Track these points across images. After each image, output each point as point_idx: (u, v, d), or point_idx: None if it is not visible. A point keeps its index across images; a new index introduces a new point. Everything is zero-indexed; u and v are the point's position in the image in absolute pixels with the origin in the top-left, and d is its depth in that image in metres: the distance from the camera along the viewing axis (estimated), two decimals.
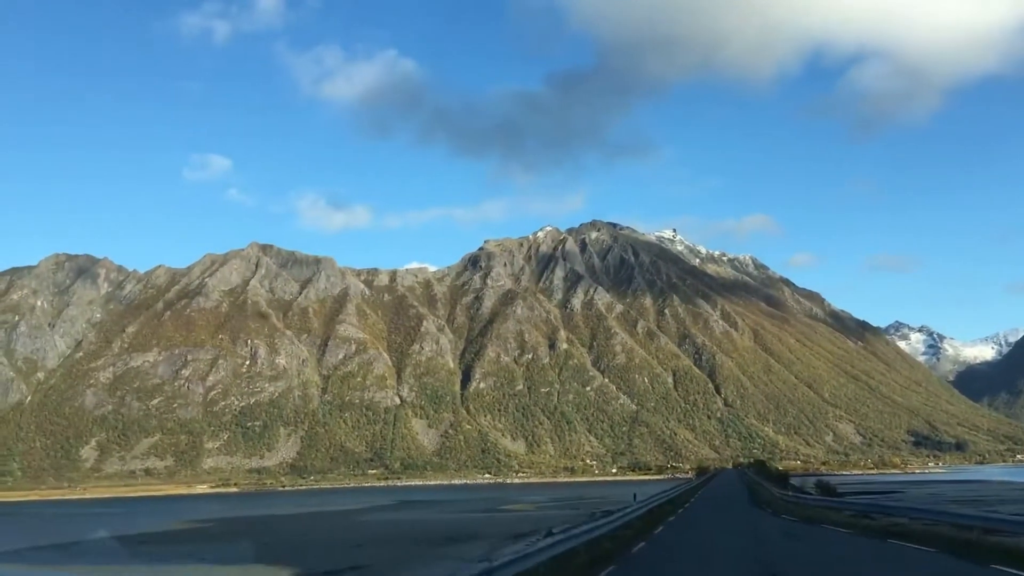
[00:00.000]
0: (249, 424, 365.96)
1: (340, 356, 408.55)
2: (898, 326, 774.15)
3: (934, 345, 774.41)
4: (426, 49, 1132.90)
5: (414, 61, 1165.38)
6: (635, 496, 58.42)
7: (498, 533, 48.46)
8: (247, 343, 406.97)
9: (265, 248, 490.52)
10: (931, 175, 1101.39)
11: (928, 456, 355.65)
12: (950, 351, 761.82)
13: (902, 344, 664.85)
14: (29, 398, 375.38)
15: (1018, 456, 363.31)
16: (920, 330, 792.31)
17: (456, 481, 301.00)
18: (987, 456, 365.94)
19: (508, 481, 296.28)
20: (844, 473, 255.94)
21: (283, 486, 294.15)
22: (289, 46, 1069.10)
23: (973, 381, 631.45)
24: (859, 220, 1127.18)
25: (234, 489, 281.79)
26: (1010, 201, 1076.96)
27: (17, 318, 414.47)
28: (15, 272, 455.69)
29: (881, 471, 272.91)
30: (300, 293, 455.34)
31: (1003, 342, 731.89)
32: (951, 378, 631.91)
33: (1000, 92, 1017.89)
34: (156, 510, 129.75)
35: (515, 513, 75.97)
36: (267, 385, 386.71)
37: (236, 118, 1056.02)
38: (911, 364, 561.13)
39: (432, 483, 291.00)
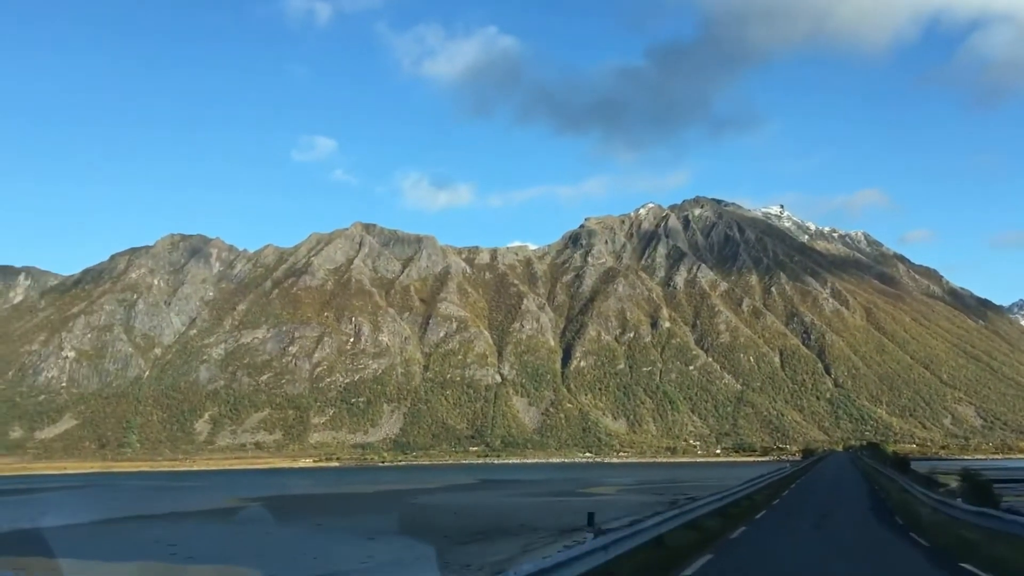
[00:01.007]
0: (353, 400, 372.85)
1: (441, 334, 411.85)
2: (1022, 304, 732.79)
3: None
4: (525, 25, 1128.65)
5: (514, 38, 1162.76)
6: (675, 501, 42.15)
7: (550, 526, 43.36)
8: (351, 320, 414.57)
9: (368, 227, 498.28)
10: None
11: None
12: None
13: None
14: (147, 373, 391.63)
15: None
16: None
17: (554, 460, 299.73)
18: None
19: (607, 461, 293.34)
20: (966, 458, 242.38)
21: (383, 461, 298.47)
22: (390, 25, 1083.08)
23: None
24: (980, 194, 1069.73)
25: (335, 463, 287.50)
26: None
27: (136, 296, 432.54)
28: (133, 252, 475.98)
29: (1006, 456, 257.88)
30: (402, 271, 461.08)
31: None
32: None
33: None
34: (238, 484, 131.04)
35: (590, 498, 69.15)
36: (370, 362, 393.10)
37: (341, 100, 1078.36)
38: None
39: (530, 461, 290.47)
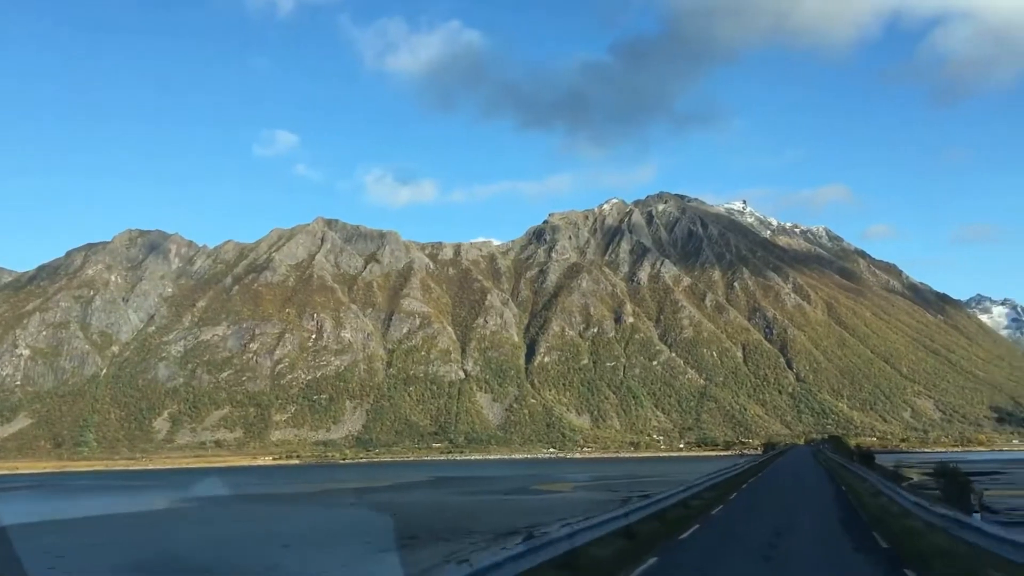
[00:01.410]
0: (315, 397, 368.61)
1: (405, 330, 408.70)
2: (980, 299, 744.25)
3: (1018, 319, 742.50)
4: (490, 20, 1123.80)
5: (478, 32, 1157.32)
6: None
7: (488, 528, 39.82)
8: (313, 317, 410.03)
9: (330, 223, 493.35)
10: (1019, 143, 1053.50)
11: (1012, 433, 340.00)
12: None
13: (984, 318, 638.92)
14: (104, 371, 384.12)
15: None
16: (1003, 303, 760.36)
17: (517, 456, 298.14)
18: None
19: (569, 456, 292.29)
20: (926, 451, 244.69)
21: (344, 459, 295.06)
22: (353, 19, 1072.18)
23: None
24: (940, 190, 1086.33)
25: (296, 461, 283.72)
26: None
27: (92, 293, 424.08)
28: (90, 248, 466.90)
29: (965, 449, 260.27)
30: (365, 267, 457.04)
31: None
32: None
33: None
34: (187, 483, 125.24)
35: (543, 496, 64.64)
36: (333, 359, 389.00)
37: (303, 93, 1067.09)
38: (994, 338, 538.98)
39: (492, 458, 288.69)
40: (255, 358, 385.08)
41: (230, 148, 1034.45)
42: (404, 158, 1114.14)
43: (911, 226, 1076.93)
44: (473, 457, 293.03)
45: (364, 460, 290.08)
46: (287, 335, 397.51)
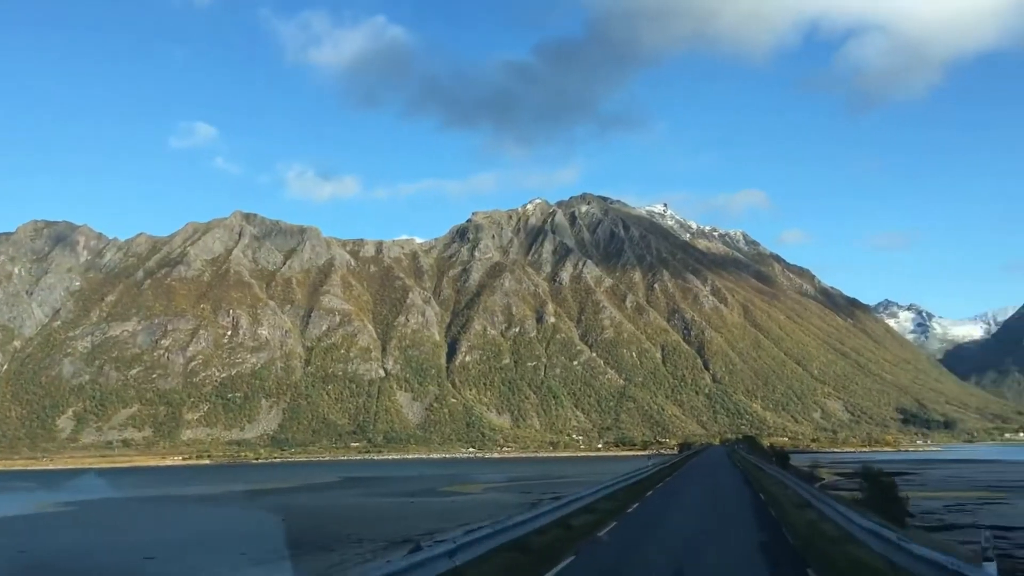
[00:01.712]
0: (230, 395, 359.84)
1: (324, 327, 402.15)
2: (887, 304, 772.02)
3: (923, 323, 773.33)
4: (415, 16, 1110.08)
5: (403, 28, 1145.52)
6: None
7: (382, 535, 36.40)
8: (229, 313, 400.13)
9: (248, 217, 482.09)
10: (929, 153, 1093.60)
11: (916, 434, 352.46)
12: (938, 329, 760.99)
13: (891, 322, 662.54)
14: (5, 367, 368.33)
15: (1006, 435, 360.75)
16: (909, 308, 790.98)
17: (436, 455, 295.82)
18: (975, 435, 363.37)
19: (488, 456, 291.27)
20: (836, 451, 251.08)
21: (257, 458, 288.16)
22: (275, 10, 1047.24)
23: (961, 360, 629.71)
24: (853, 197, 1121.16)
25: (206, 461, 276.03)
26: (1010, 179, 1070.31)
27: None
28: None
29: (873, 449, 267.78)
30: (284, 263, 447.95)
31: (992, 321, 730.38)
32: (939, 356, 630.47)
33: (1000, 68, 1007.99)
34: (74, 485, 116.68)
35: (451, 499, 60.77)
36: (249, 356, 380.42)
37: (222, 85, 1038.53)
38: (900, 342, 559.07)
39: (410, 457, 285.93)
40: (167, 355, 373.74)
41: (145, 140, 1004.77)
42: (326, 153, 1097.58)
43: (824, 232, 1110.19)
44: (391, 457, 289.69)
45: (279, 460, 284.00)
46: (201, 331, 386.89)
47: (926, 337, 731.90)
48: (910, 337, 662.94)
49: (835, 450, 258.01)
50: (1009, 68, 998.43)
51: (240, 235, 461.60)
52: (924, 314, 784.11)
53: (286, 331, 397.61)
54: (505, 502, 44.63)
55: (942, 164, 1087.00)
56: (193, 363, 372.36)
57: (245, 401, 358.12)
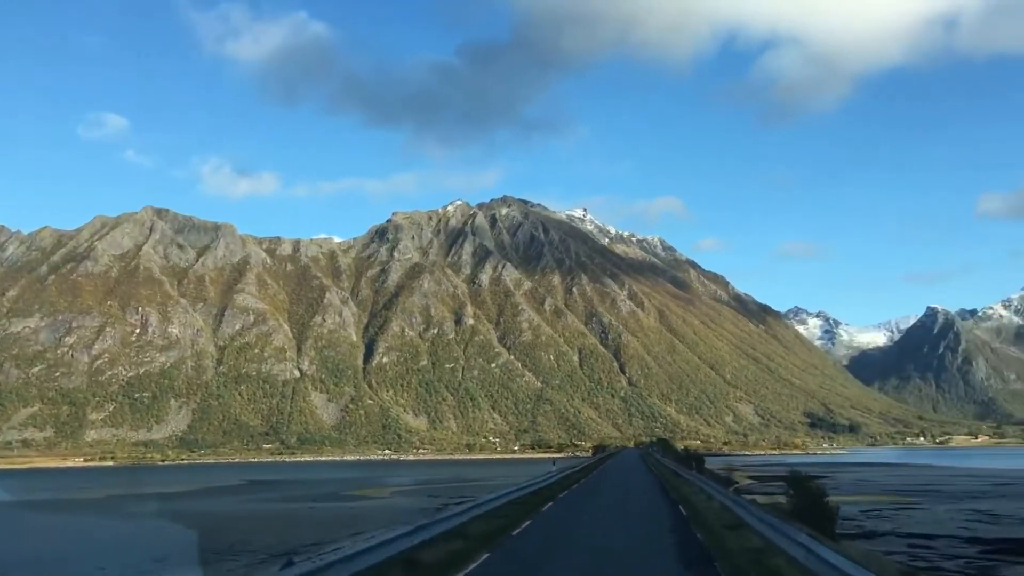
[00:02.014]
0: (137, 395, 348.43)
1: (237, 326, 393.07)
2: (797, 311, 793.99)
3: (830, 330, 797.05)
4: (337, 13, 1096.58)
5: (325, 24, 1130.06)
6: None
7: (268, 547, 32.04)
8: (138, 311, 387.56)
9: (160, 212, 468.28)
10: (839, 164, 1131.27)
11: (823, 437, 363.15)
12: (845, 336, 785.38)
13: (800, 329, 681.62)
14: None
15: (907, 439, 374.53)
16: (817, 315, 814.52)
17: (350, 458, 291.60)
18: (878, 438, 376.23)
19: (403, 458, 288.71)
20: (747, 453, 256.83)
21: (163, 460, 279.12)
22: (192, 1, 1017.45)
23: (866, 366, 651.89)
24: (765, 206, 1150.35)
25: (110, 463, 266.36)
26: (914, 192, 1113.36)
27: None
28: None
29: (782, 452, 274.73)
30: (197, 260, 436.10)
31: (895, 329, 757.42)
32: (845, 362, 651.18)
33: (908, 84, 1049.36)
34: None
35: (354, 504, 55.70)
36: (158, 355, 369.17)
37: (134, 76, 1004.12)
38: (809, 348, 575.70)
39: (324, 459, 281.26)
40: (71, 353, 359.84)
41: (52, 130, 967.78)
42: (244, 149, 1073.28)
43: (738, 240, 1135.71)
44: (304, 459, 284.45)
45: (186, 462, 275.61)
46: (108, 329, 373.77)
47: (833, 344, 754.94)
48: (818, 343, 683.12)
49: (746, 452, 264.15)
50: (917, 86, 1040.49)
51: (151, 230, 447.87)
52: (832, 321, 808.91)
53: (197, 330, 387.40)
54: (408, 507, 41.83)
55: (849, 176, 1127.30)
56: (99, 361, 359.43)
57: (153, 401, 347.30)
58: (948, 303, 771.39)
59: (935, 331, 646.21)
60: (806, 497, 25.24)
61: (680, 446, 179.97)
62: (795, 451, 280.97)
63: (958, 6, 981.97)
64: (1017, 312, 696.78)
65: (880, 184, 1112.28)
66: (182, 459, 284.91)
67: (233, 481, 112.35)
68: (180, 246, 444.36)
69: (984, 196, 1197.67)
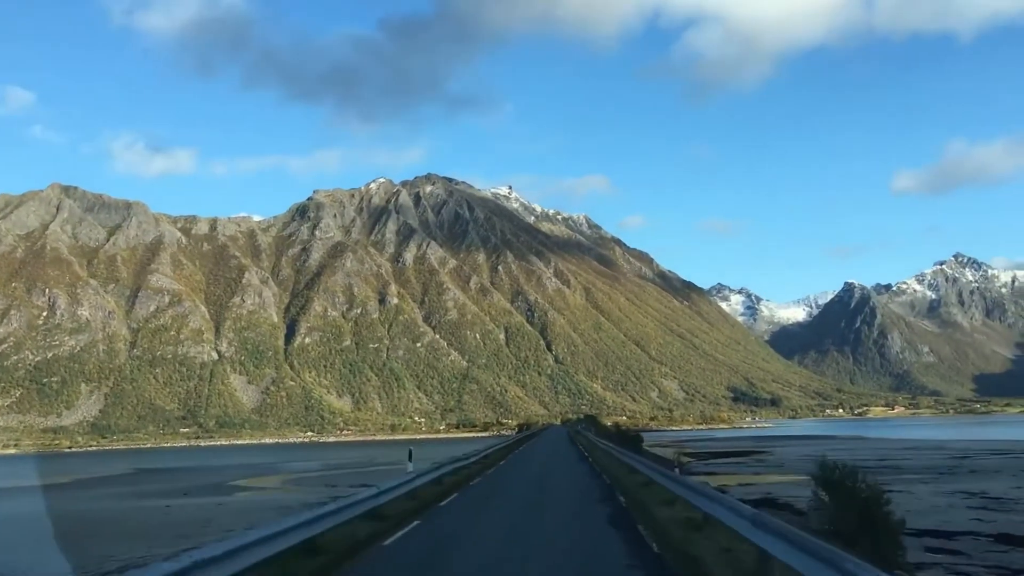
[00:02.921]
0: (45, 380, 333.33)
1: (152, 308, 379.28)
2: (719, 287, 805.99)
3: (752, 306, 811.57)
4: None
5: None
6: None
7: (59, 570, 22.44)
8: (45, 292, 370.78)
9: (68, 190, 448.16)
10: (760, 142, 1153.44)
11: (746, 411, 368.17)
12: (766, 312, 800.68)
13: (723, 305, 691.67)
14: None
15: (827, 411, 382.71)
16: (739, 292, 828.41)
17: (268, 441, 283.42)
18: (799, 411, 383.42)
19: (324, 440, 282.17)
20: (674, 428, 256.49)
21: (71, 447, 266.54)
22: None
23: (786, 340, 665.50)
24: (688, 184, 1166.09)
25: (12, 451, 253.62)
26: (833, 170, 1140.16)
27: None
28: None
29: (709, 426, 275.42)
30: (108, 240, 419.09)
31: (814, 304, 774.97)
32: (766, 338, 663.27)
33: (827, 63, 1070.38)
34: None
35: (231, 497, 46.46)
36: (67, 338, 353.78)
37: (40, 48, 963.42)
38: (732, 324, 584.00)
39: (240, 443, 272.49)
40: None
41: None
42: (158, 125, 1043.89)
43: (662, 217, 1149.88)
44: (220, 443, 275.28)
45: (95, 448, 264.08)
46: (13, 312, 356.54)
47: (755, 319, 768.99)
48: (740, 319, 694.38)
49: (673, 428, 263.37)
50: (835, 64, 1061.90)
51: (58, 209, 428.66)
52: (753, 297, 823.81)
53: (109, 312, 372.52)
54: (292, 503, 35.41)
55: (770, 154, 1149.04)
56: (3, 346, 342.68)
57: (63, 386, 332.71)
58: (865, 278, 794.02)
59: (852, 306, 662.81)
60: (850, 504, 14.62)
61: (607, 422, 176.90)
62: (722, 425, 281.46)
63: None
64: (930, 287, 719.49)
65: (800, 161, 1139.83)
66: (91, 445, 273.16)
67: (121, 469, 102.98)
68: (90, 225, 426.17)
69: (899, 173, 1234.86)
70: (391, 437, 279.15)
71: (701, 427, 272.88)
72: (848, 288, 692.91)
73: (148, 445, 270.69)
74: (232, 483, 59.68)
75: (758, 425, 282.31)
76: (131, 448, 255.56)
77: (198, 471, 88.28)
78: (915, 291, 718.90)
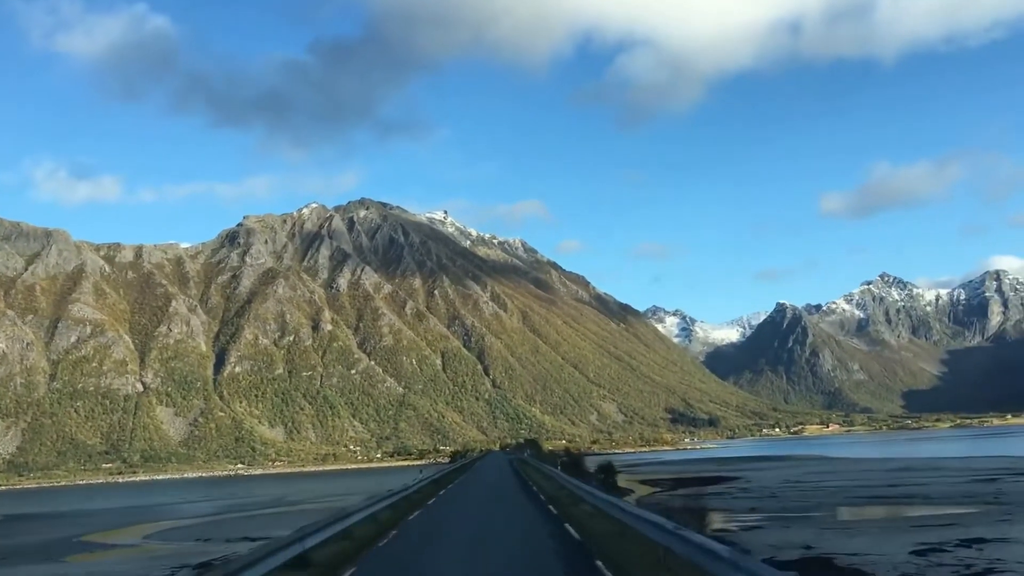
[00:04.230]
0: None
1: (73, 339, 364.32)
2: (655, 310, 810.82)
3: (687, 328, 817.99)
4: (179, 6, 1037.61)
5: (166, 18, 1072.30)
6: None
7: None
8: None
9: None
10: (692, 166, 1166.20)
11: (684, 432, 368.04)
12: (700, 333, 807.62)
13: (659, 327, 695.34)
14: None
15: (764, 430, 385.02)
16: (674, 314, 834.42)
17: (192, 475, 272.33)
18: (737, 431, 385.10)
19: (249, 473, 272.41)
20: (617, 452, 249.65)
21: None
22: None
23: (721, 361, 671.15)
24: (622, 208, 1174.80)
25: None
26: (762, 192, 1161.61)
27: None
28: None
29: (652, 448, 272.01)
30: (26, 269, 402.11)
31: (747, 325, 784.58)
32: (702, 359, 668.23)
33: (755, 87, 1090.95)
34: None
35: (50, 569, 34.32)
36: None
37: None
38: (668, 345, 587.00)
39: (160, 478, 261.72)
40: None
41: None
42: (81, 151, 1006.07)
43: (597, 241, 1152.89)
44: (140, 478, 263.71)
45: (3, 488, 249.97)
46: None
47: (690, 341, 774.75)
48: (676, 340, 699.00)
49: (616, 451, 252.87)
50: (762, 88, 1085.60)
51: None
52: (688, 319, 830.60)
53: (27, 343, 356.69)
54: (135, 572, 28.44)
55: (701, 177, 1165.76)
56: None
57: None
58: (795, 299, 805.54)
59: (784, 326, 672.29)
60: None
61: (548, 447, 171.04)
62: (665, 447, 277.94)
63: (801, 11, 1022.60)
64: (858, 306, 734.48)
65: (729, 185, 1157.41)
66: (3, 485, 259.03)
67: None
68: (7, 254, 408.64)
69: (826, 195, 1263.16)
70: (321, 468, 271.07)
71: (644, 450, 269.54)
72: (780, 309, 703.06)
73: (62, 483, 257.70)
74: (81, 538, 50.41)
75: (701, 447, 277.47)
76: (43, 487, 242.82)
77: (61, 519, 78.17)
78: (844, 310, 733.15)
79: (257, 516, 59.43)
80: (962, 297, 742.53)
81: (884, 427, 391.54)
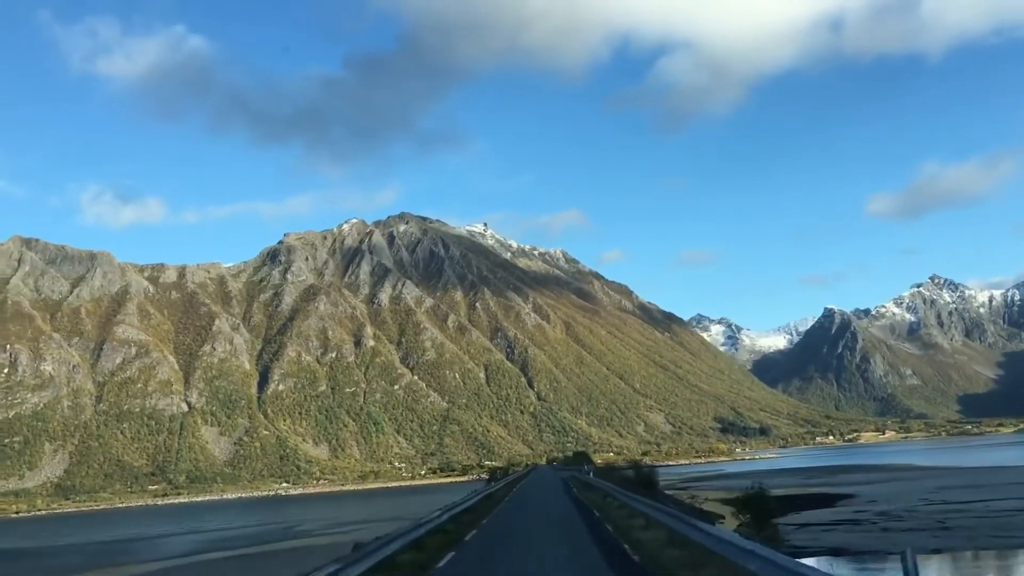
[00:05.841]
0: (7, 441, 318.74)
1: (118, 360, 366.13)
2: (699, 318, 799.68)
3: (732, 336, 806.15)
4: (216, 26, 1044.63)
5: (203, 38, 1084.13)
6: None
7: None
8: (6, 349, 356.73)
9: (29, 242, 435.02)
10: (734, 170, 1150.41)
11: (735, 441, 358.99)
12: (747, 341, 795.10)
13: (704, 335, 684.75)
14: None
15: (817, 438, 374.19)
16: (720, 322, 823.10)
17: (232, 496, 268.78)
18: (789, 439, 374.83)
19: (293, 492, 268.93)
20: (671, 464, 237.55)
21: (18, 513, 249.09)
22: (56, 15, 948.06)
23: (768, 369, 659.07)
24: (666, 215, 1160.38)
25: None
26: (807, 195, 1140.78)
27: None
28: None
29: (708, 460, 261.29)
30: (71, 292, 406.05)
31: (794, 331, 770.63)
32: (749, 367, 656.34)
33: (797, 88, 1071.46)
34: None
35: None
36: (30, 395, 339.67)
37: None
38: (715, 354, 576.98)
39: (201, 499, 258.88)
40: None
41: None
42: (126, 174, 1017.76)
43: (640, 249, 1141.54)
44: (182, 500, 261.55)
45: (42, 512, 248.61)
46: None
47: (736, 349, 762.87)
48: (722, 349, 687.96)
49: (671, 463, 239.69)
50: (804, 88, 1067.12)
51: (20, 262, 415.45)
52: (733, 327, 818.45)
53: (74, 366, 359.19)
54: None
55: (743, 181, 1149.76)
56: None
57: (25, 446, 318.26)
58: (843, 303, 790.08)
59: (832, 331, 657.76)
60: None
61: (598, 460, 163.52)
62: (722, 458, 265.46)
63: (843, 7, 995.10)
64: (909, 309, 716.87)
65: (773, 188, 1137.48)
66: (54, 508, 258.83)
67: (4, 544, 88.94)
68: (52, 278, 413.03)
69: (872, 197, 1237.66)
70: (362, 487, 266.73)
71: (699, 461, 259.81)
72: (828, 314, 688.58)
73: (101, 507, 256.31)
74: (99, 566, 46.84)
75: (758, 457, 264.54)
76: (81, 511, 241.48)
77: (70, 551, 73.80)
78: (894, 314, 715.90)
79: (235, 558, 53.31)
80: (1016, 298, 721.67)
81: (943, 433, 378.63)
